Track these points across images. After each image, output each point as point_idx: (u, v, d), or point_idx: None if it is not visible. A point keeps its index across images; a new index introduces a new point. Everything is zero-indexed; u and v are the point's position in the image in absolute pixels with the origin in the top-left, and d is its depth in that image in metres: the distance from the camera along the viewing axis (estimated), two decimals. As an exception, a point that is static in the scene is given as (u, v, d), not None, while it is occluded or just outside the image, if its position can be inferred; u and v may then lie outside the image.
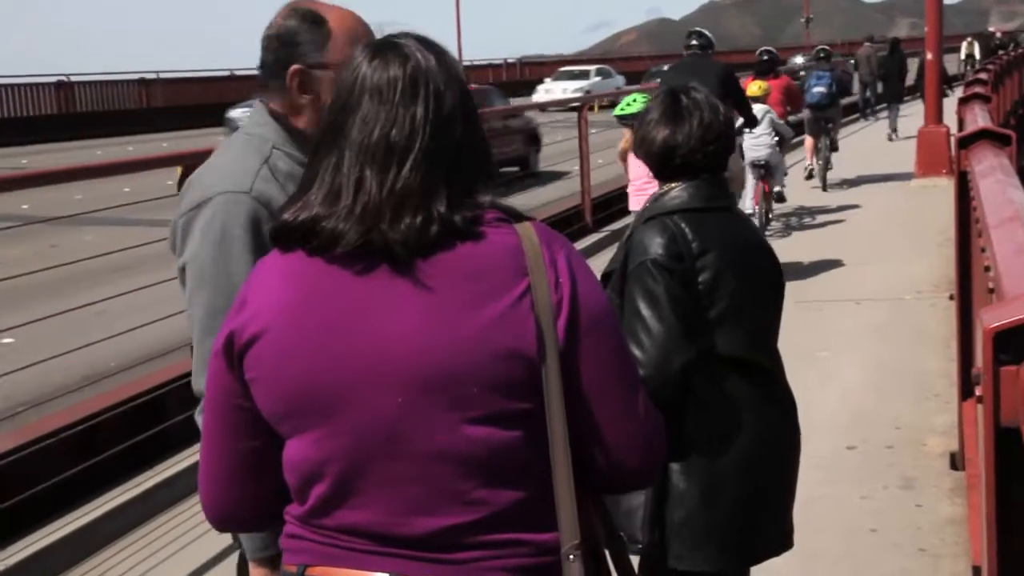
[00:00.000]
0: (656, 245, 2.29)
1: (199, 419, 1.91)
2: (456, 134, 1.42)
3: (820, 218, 11.13)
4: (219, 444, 1.49)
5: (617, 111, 7.02)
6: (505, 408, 1.35)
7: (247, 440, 1.45)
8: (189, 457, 4.92)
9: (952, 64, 25.09)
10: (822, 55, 17.78)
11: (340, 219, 1.37)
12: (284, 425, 1.41)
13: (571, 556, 1.36)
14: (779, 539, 2.40)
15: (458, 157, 1.41)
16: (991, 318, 1.52)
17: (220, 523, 1.55)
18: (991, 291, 2.38)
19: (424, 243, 1.36)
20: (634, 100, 7.02)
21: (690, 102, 2.41)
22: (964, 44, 34.04)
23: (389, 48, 1.44)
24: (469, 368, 1.34)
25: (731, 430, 2.30)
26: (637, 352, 2.21)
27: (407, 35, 1.47)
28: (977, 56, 30.19)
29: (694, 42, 8.26)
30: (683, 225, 2.31)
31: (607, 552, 1.52)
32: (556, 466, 1.37)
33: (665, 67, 7.59)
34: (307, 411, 1.38)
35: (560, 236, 1.46)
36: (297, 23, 1.96)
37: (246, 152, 1.97)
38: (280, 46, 1.96)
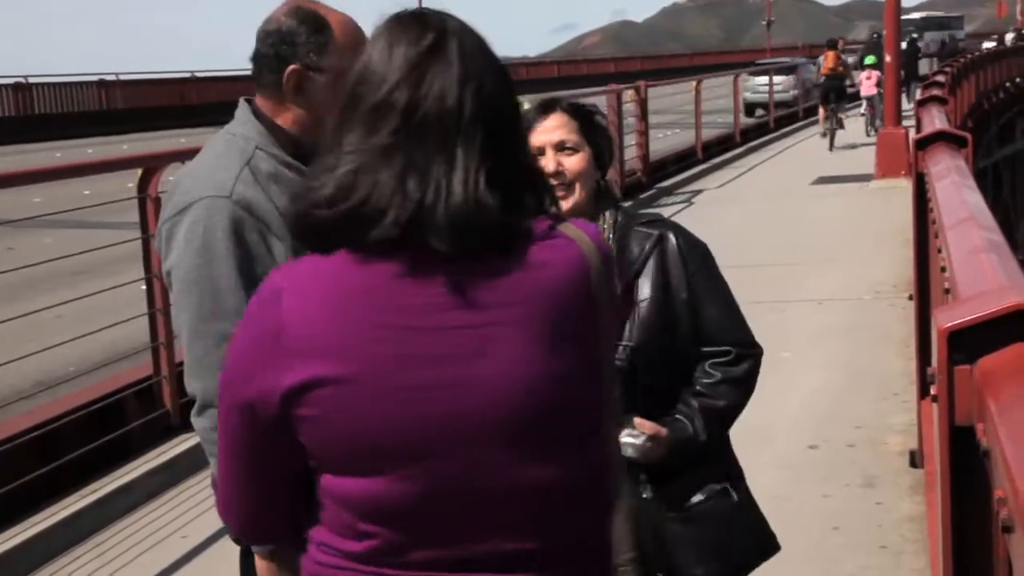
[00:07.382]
0: (697, 237, 2.33)
1: (196, 421, 1.93)
2: (503, 111, 1.29)
3: (782, 218, 11.21)
4: (246, 476, 1.36)
5: (867, 62, 18.09)
6: (581, 444, 1.32)
7: (275, 472, 1.33)
8: (148, 462, 4.88)
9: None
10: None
11: (381, 196, 1.22)
12: (340, 464, 1.28)
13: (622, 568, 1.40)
14: None
15: (507, 142, 1.29)
16: (945, 318, 1.53)
17: (249, 538, 1.47)
18: (947, 291, 2.41)
19: (478, 227, 1.22)
20: (872, 55, 18.27)
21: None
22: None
23: (412, 17, 1.30)
24: (550, 411, 1.28)
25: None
26: (741, 334, 2.27)
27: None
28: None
29: (885, 31, 16.47)
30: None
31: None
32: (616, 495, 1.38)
33: (875, 36, 18.58)
34: (376, 455, 1.26)
35: (603, 241, 1.37)
36: (298, 23, 1.97)
37: (228, 153, 1.98)
38: (280, 42, 1.96)
